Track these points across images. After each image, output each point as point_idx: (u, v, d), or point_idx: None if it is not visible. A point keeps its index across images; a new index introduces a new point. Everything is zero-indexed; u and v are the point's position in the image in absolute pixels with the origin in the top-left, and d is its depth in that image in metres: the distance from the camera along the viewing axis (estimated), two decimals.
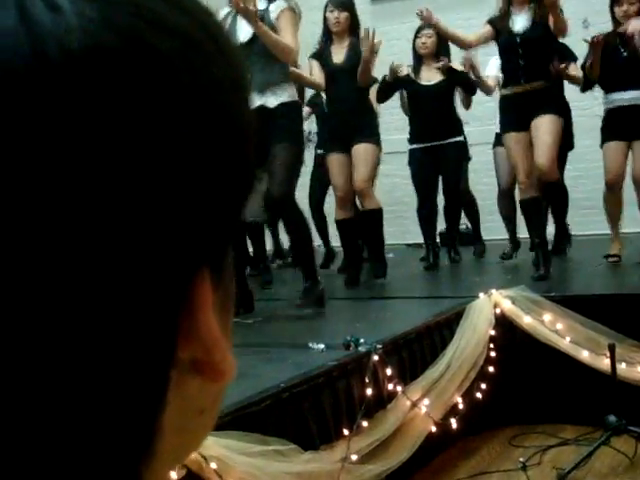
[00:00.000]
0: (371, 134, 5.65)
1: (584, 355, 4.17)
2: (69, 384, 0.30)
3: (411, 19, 7.72)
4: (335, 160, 5.64)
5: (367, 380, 3.41)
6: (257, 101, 4.45)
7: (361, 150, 5.55)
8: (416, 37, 6.39)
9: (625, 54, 5.48)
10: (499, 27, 5.35)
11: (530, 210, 5.37)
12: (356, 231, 5.86)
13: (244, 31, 4.55)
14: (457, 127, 6.45)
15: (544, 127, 5.16)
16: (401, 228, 8.31)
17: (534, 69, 5.24)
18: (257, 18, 4.39)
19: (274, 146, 4.47)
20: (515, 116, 5.30)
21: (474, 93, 6.36)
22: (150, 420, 0.33)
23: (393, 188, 7.83)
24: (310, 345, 3.51)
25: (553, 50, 5.36)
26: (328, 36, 5.72)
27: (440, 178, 6.43)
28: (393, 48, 7.19)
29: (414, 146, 6.41)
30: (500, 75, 5.81)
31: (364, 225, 5.79)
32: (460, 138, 6.45)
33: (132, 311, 0.31)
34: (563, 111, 5.40)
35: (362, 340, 3.51)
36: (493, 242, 6.97)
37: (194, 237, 0.33)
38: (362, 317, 4.35)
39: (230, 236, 0.37)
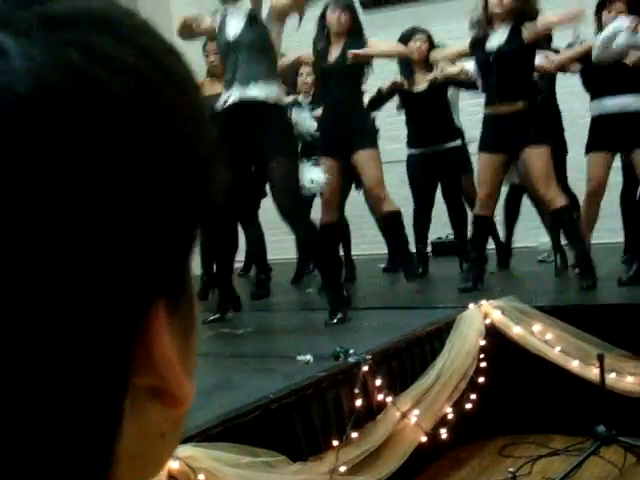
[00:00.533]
0: (369, 138, 5.64)
1: (573, 365, 4.18)
2: (18, 413, 0.30)
3: (403, 28, 7.78)
4: (327, 163, 5.58)
5: (356, 391, 3.41)
6: (241, 93, 4.52)
7: (364, 156, 5.54)
8: (408, 42, 6.36)
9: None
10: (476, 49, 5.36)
11: (480, 227, 5.48)
12: (339, 237, 5.88)
13: (233, 27, 4.59)
14: (453, 132, 6.46)
15: (534, 162, 5.14)
16: None
17: (509, 88, 5.18)
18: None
19: (270, 158, 4.49)
20: (490, 137, 5.28)
21: (477, 88, 6.25)
22: (104, 447, 0.33)
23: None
24: (298, 357, 3.51)
25: (532, 67, 5.31)
26: (326, 37, 5.67)
27: (440, 184, 6.49)
28: None
29: (411, 151, 6.44)
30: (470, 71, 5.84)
31: (387, 229, 5.78)
32: (457, 143, 6.45)
33: (85, 342, 0.31)
34: (547, 132, 5.31)
35: (351, 351, 3.52)
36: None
37: (146, 270, 0.33)
38: (351, 327, 4.35)
39: (185, 262, 0.37)
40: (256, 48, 4.55)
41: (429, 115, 6.22)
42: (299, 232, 4.71)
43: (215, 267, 5.16)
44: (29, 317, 0.29)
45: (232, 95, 4.56)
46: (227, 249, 4.84)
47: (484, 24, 5.26)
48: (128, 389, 0.34)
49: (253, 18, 4.55)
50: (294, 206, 4.58)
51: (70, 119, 0.30)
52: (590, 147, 5.58)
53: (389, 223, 5.78)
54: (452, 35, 7.32)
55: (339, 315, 4.46)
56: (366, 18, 7.88)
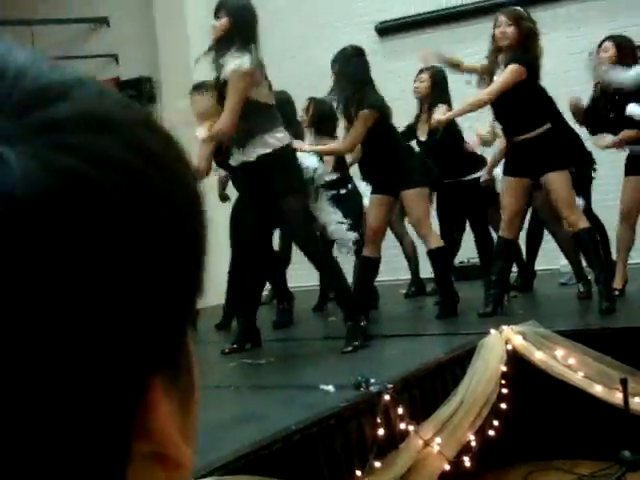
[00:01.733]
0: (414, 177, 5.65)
1: (597, 389, 4.15)
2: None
3: (415, 56, 7.82)
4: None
5: (379, 420, 3.41)
6: (240, 156, 4.69)
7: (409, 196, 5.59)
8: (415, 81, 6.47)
9: (612, 115, 5.59)
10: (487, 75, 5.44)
11: (503, 250, 5.51)
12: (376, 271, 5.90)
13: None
14: (473, 164, 6.51)
15: (555, 187, 5.22)
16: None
17: (514, 123, 5.32)
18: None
19: (278, 202, 4.62)
20: (513, 162, 5.39)
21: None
22: None
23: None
24: (320, 387, 3.52)
25: (531, 101, 5.30)
26: None
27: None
28: (401, 84, 7.23)
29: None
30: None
31: (432, 265, 5.80)
32: (477, 175, 6.50)
33: (86, 415, 0.34)
34: (566, 156, 5.37)
35: (372, 380, 3.52)
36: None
37: (142, 349, 0.35)
38: (372, 356, 4.35)
39: (182, 336, 0.40)
40: (249, 104, 4.59)
41: (442, 158, 6.26)
42: (317, 264, 4.76)
43: (240, 298, 5.22)
44: (32, 389, 0.32)
45: (234, 159, 4.77)
46: (255, 283, 4.92)
47: (492, 57, 5.37)
48: (130, 455, 0.36)
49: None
50: (307, 241, 4.70)
51: (62, 218, 0.33)
52: (626, 171, 5.68)
53: (433, 259, 5.76)
54: (470, 60, 7.36)
55: (355, 343, 4.48)
56: (382, 46, 7.98)
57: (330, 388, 3.51)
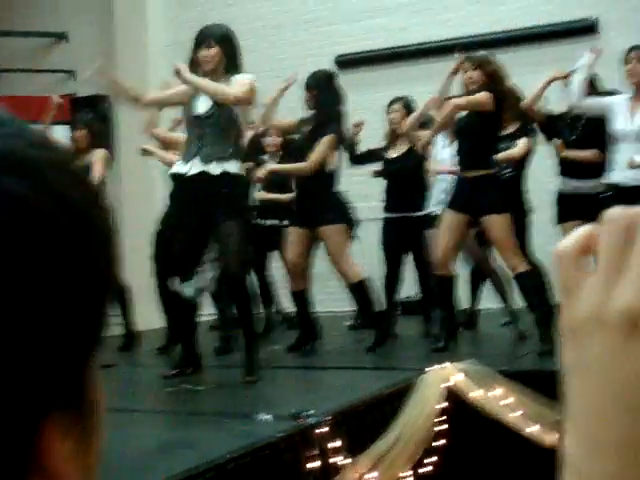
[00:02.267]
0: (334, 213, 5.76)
1: (533, 430, 4.18)
2: None
3: (380, 90, 7.91)
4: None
5: (315, 452, 3.40)
6: (200, 168, 4.65)
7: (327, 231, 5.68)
8: (387, 113, 6.54)
9: (573, 137, 5.74)
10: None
11: (443, 286, 5.56)
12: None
13: (203, 104, 4.70)
14: (422, 201, 6.57)
15: (495, 229, 5.32)
16: None
17: (470, 158, 5.43)
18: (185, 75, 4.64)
19: (223, 222, 4.61)
20: (457, 197, 5.46)
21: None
22: None
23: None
24: (258, 416, 3.50)
25: (489, 140, 5.48)
26: None
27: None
28: (358, 117, 7.28)
29: (387, 215, 6.49)
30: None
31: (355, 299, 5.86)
32: (425, 212, 6.55)
33: None
34: (507, 198, 5.50)
35: (311, 411, 3.51)
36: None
37: (37, 391, 0.35)
38: (313, 387, 4.35)
39: (82, 376, 0.40)
40: (221, 127, 4.70)
41: (404, 183, 6.32)
42: (235, 291, 4.76)
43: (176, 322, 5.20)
44: None
45: (193, 168, 4.69)
46: (186, 310, 4.89)
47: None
48: None
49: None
50: (239, 275, 4.72)
51: None
52: (561, 218, 5.82)
53: (353, 293, 5.84)
54: (428, 97, 7.44)
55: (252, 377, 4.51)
56: (342, 78, 8.01)
57: (268, 418, 3.49)
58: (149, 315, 6.82)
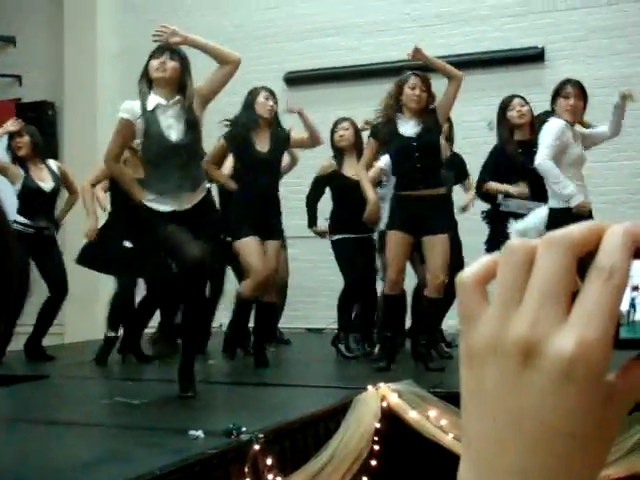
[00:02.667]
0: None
1: None
2: None
3: (328, 108, 7.94)
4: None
5: (246, 470, 3.38)
6: (192, 200, 4.61)
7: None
8: (334, 131, 6.54)
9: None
10: (385, 134, 5.52)
11: (392, 306, 5.63)
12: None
13: (174, 132, 4.56)
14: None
15: (438, 248, 5.38)
16: (302, 312, 8.34)
17: (430, 174, 5.42)
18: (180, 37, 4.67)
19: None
20: (404, 218, 5.43)
21: None
22: None
23: (295, 272, 7.85)
24: (190, 432, 3.46)
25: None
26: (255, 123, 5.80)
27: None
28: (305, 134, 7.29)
29: (344, 235, 6.46)
30: (385, 168, 6.01)
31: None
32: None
33: None
34: (452, 218, 5.64)
35: (244, 428, 3.49)
36: None
37: None
38: (248, 403, 4.32)
39: None
40: (197, 152, 4.74)
41: (360, 202, 6.32)
42: (196, 303, 4.71)
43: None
44: None
45: (184, 203, 4.61)
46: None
47: (392, 112, 5.49)
48: None
49: (193, 123, 4.58)
50: (204, 260, 4.51)
51: None
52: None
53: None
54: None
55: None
56: (291, 95, 8.05)
57: (199, 434, 3.46)
58: (85, 326, 6.72)
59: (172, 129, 4.55)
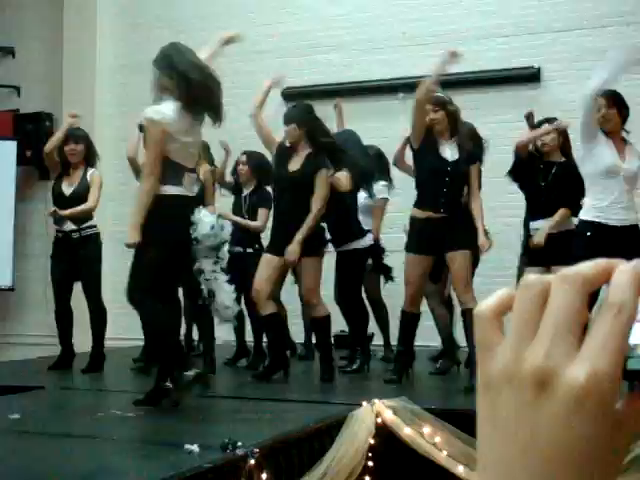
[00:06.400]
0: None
1: (459, 470, 4.23)
2: None
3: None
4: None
5: None
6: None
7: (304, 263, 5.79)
8: None
9: (543, 183, 5.82)
10: (426, 146, 5.62)
11: (408, 323, 5.71)
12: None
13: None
14: (356, 233, 6.60)
15: (459, 263, 5.55)
16: (300, 327, 8.35)
17: (455, 198, 5.62)
18: None
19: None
20: (421, 240, 5.58)
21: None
22: None
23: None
24: (185, 446, 3.47)
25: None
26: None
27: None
28: None
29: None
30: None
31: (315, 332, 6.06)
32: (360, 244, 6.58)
33: None
34: (474, 235, 5.64)
35: (239, 443, 3.50)
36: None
37: None
38: (244, 418, 4.33)
39: None
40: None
41: (338, 215, 6.34)
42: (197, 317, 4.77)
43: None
44: None
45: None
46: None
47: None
48: None
49: None
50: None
51: None
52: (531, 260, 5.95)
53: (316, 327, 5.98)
54: (373, 134, 7.54)
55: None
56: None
57: (194, 448, 3.47)
58: (79, 337, 6.72)
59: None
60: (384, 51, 9.00)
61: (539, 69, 8.46)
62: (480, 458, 0.49)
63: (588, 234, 5.32)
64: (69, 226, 6.46)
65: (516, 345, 0.48)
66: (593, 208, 5.35)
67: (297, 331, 7.58)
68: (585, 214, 5.39)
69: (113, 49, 10.01)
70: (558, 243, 5.67)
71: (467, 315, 5.43)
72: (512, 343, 0.48)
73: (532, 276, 0.49)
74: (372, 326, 7.93)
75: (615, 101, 5.41)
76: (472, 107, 8.25)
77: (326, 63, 9.17)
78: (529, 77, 8.48)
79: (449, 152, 5.61)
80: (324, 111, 8.84)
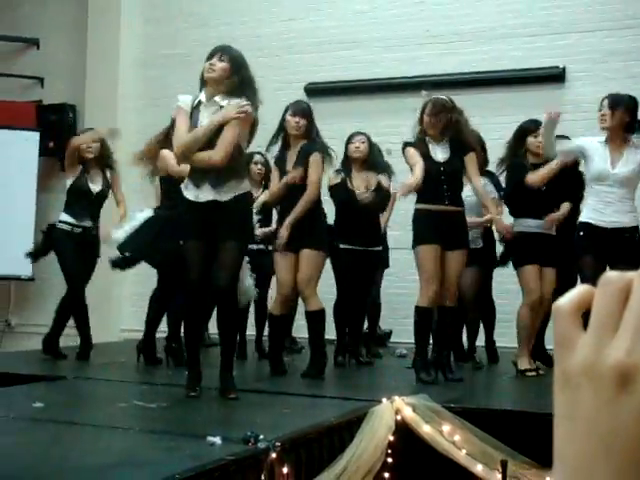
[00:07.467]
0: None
1: (478, 469, 4.23)
2: None
3: (347, 120, 8.00)
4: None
5: (263, 478, 3.40)
6: (210, 195, 4.69)
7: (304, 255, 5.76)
8: (349, 142, 6.58)
9: (544, 187, 5.84)
10: (420, 152, 5.61)
11: (446, 319, 5.71)
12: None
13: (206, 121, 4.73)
14: (380, 236, 6.68)
15: (455, 264, 5.60)
16: None
17: (455, 193, 5.65)
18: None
19: (226, 239, 4.68)
20: (430, 230, 5.54)
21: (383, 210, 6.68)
22: None
23: None
24: (208, 438, 3.49)
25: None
26: (284, 140, 5.93)
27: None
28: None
29: (346, 246, 6.49)
30: None
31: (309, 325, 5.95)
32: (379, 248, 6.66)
33: None
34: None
35: (261, 436, 3.52)
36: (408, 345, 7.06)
37: None
38: (265, 411, 4.35)
39: None
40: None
41: (364, 218, 6.36)
42: (227, 312, 4.77)
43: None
44: None
45: (204, 196, 4.73)
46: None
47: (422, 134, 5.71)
48: None
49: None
50: (231, 288, 4.75)
51: None
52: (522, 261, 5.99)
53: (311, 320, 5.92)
54: (391, 131, 7.56)
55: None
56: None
57: (217, 440, 3.49)
58: (100, 328, 6.76)
59: (204, 120, 4.72)
60: (407, 48, 9.00)
61: (564, 69, 8.43)
62: (557, 454, 0.50)
63: (581, 234, 5.55)
64: (88, 222, 6.52)
65: (597, 341, 0.48)
66: (587, 210, 5.63)
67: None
68: (581, 216, 5.66)
69: (137, 42, 10.04)
70: (552, 243, 5.95)
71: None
72: (593, 339, 0.49)
73: (613, 273, 0.50)
74: (391, 322, 7.98)
75: (613, 102, 5.56)
76: (495, 106, 8.28)
77: (349, 60, 9.17)
78: (554, 77, 8.45)
79: (440, 154, 5.62)
80: (346, 107, 8.90)
